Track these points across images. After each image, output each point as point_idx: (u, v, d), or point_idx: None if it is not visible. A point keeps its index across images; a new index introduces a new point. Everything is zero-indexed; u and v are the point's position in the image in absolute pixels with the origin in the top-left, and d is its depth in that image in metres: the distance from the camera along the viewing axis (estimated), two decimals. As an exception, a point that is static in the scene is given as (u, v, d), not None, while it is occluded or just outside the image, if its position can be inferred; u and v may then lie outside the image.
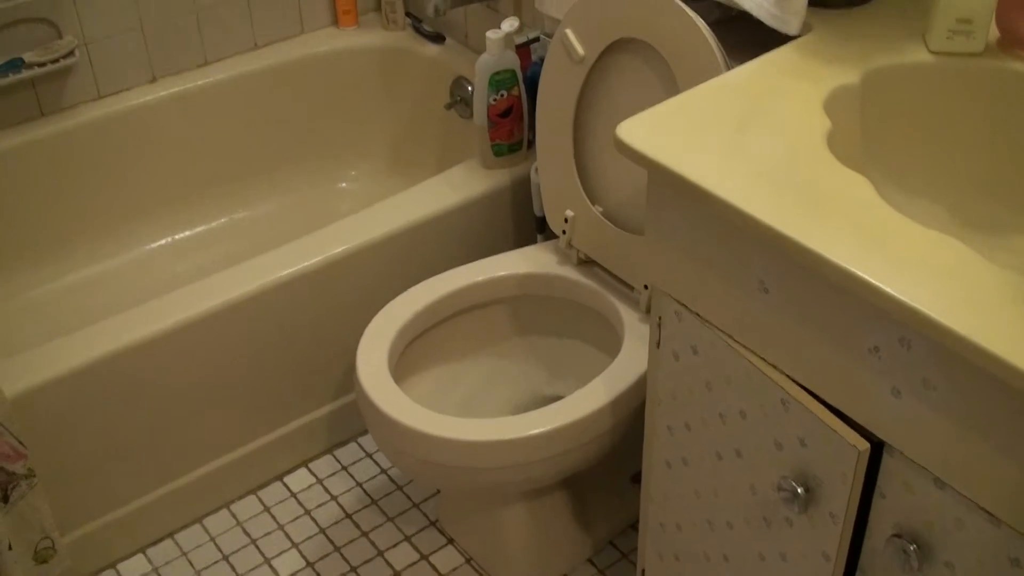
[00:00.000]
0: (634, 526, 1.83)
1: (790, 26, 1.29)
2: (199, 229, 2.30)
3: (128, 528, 1.83)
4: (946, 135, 1.23)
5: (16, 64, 2.01)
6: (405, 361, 1.69)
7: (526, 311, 1.80)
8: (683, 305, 1.20)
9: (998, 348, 0.86)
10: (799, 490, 1.09)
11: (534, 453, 1.51)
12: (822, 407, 1.06)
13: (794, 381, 1.09)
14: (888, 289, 0.92)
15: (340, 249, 1.85)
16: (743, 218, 1.03)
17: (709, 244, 1.13)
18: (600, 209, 1.69)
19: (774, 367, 1.10)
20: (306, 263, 1.83)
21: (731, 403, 1.17)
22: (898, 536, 1.03)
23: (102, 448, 1.74)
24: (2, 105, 2.04)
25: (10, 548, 1.62)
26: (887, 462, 1.02)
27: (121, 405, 1.73)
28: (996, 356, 0.86)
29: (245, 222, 2.33)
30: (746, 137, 1.12)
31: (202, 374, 1.80)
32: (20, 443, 1.61)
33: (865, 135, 1.20)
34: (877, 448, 1.03)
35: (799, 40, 1.29)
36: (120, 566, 1.82)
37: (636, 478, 1.82)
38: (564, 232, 1.75)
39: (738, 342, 1.14)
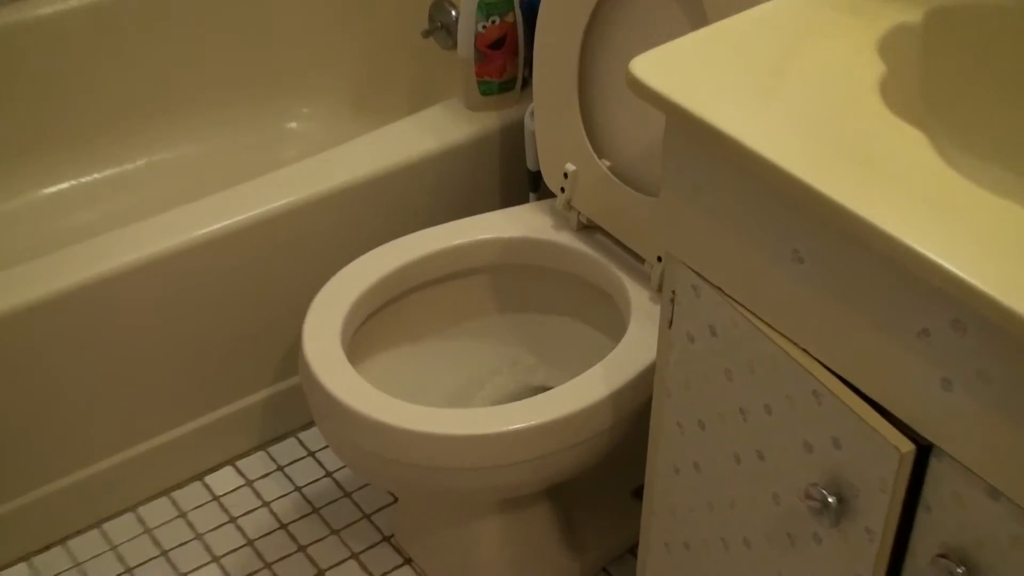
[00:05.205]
0: (633, 551, 1.90)
1: (845, -49, 1.36)
2: (109, 172, 2.36)
3: (8, 531, 1.88)
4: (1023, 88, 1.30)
5: None
6: (362, 339, 1.76)
7: (513, 284, 1.87)
8: (702, 277, 1.27)
9: (1068, 334, 0.93)
10: (830, 499, 1.16)
11: (515, 453, 1.58)
12: (860, 401, 1.13)
13: (829, 370, 1.16)
14: (942, 262, 0.98)
15: (285, 201, 1.91)
16: (777, 174, 1.09)
17: (735, 205, 1.20)
18: (608, 164, 1.77)
19: (806, 352, 1.18)
20: (241, 217, 1.88)
21: (754, 395, 1.24)
22: (944, 556, 1.10)
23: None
24: None
25: None
26: (934, 467, 1.09)
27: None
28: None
29: (168, 165, 2.39)
30: (785, 80, 1.19)
31: (104, 349, 1.85)
32: None
33: (926, 85, 1.27)
34: (923, 451, 1.10)
35: (855, -32, 1.35)
36: (1, 576, 1.89)
37: (638, 493, 1.88)
38: (563, 190, 1.82)
39: (765, 322, 1.21)
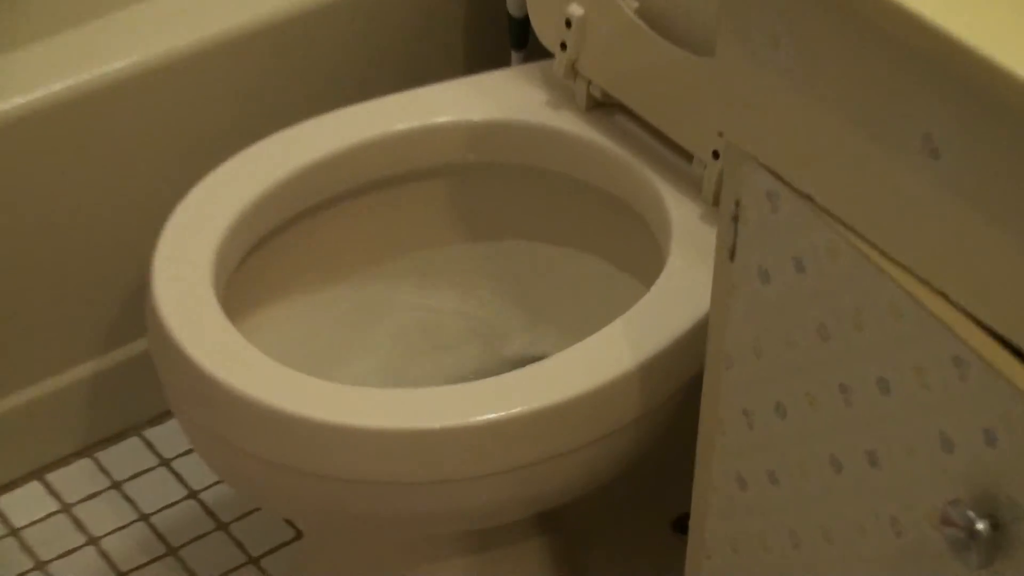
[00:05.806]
0: (672, 610, 1.93)
1: None
2: None
3: None
4: None
5: None
6: (247, 281, 1.77)
7: (485, 195, 1.89)
8: (782, 180, 1.28)
9: None
10: (979, 525, 1.17)
11: (488, 460, 1.59)
12: (1028, 372, 1.15)
13: (979, 324, 1.17)
14: None
15: (126, 63, 1.93)
16: (900, 18, 1.10)
17: (835, 69, 1.21)
18: (635, 4, 1.77)
19: (943, 297, 1.19)
20: (57, 87, 1.90)
21: (863, 365, 1.25)
22: None
23: None
24: None
25: None
26: None
27: None
28: None
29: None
30: None
31: None
32: None
33: None
34: (1124, 451, 1.12)
35: None
36: None
37: (682, 523, 1.90)
38: (564, 47, 1.83)
39: (880, 250, 1.22)
